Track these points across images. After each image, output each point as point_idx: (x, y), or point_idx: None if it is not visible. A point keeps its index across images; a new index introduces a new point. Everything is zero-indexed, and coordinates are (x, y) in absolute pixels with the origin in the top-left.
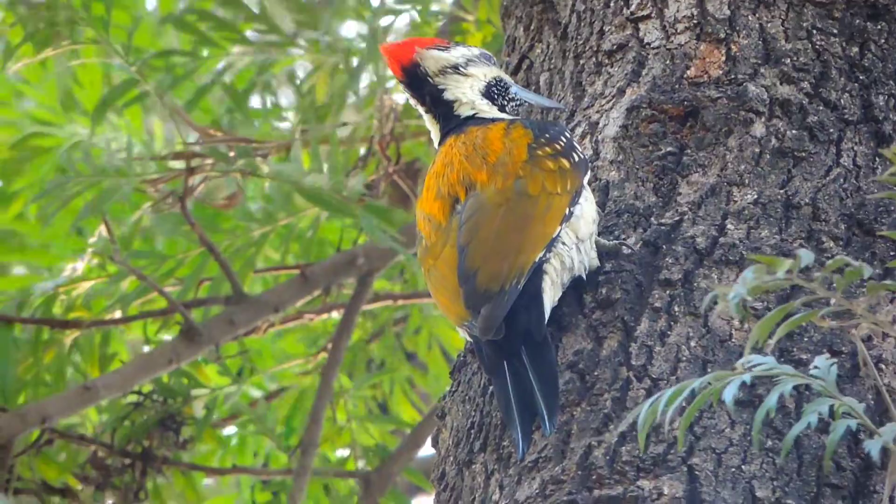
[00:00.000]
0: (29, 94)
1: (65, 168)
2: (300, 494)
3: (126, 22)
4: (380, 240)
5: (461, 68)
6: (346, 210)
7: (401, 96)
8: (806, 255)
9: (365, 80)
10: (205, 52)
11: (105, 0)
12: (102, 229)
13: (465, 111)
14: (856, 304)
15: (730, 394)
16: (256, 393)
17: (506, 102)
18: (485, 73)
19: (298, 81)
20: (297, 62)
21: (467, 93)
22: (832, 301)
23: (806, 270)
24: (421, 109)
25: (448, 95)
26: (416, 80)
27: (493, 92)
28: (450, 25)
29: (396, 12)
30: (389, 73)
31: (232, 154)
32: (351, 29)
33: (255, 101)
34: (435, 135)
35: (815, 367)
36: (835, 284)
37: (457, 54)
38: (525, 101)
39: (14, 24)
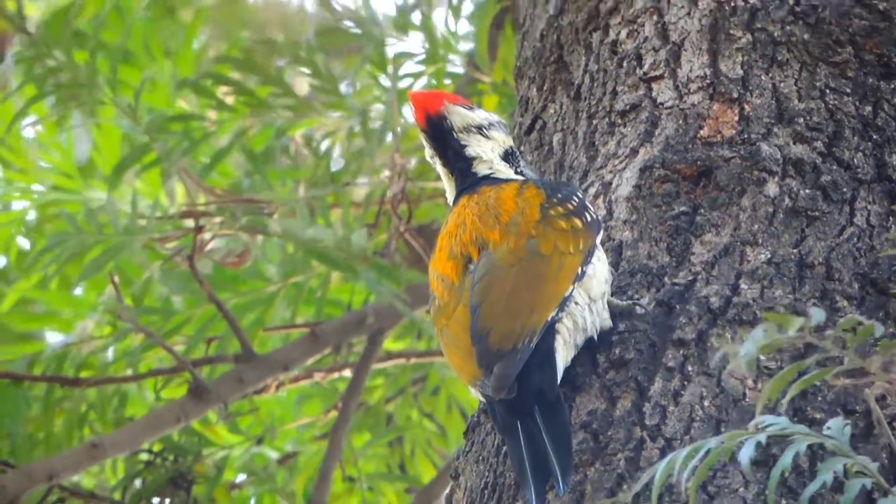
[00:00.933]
0: (45, 159)
1: (71, 229)
2: None
3: (136, 82)
4: (382, 297)
5: (484, 129)
6: (351, 267)
7: (413, 157)
8: (818, 314)
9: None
10: (224, 116)
11: (112, 60)
12: (112, 288)
13: (482, 169)
14: (869, 362)
15: (746, 455)
16: (270, 454)
17: (519, 170)
18: (504, 140)
19: (315, 144)
20: (315, 125)
21: (488, 152)
22: (845, 360)
23: (819, 329)
24: (438, 163)
25: (469, 152)
26: (440, 133)
27: (510, 158)
28: (466, 87)
29: (415, 75)
30: (403, 135)
31: (239, 214)
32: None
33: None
34: (450, 191)
35: (829, 428)
36: (847, 343)
37: (482, 115)
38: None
39: (24, 83)
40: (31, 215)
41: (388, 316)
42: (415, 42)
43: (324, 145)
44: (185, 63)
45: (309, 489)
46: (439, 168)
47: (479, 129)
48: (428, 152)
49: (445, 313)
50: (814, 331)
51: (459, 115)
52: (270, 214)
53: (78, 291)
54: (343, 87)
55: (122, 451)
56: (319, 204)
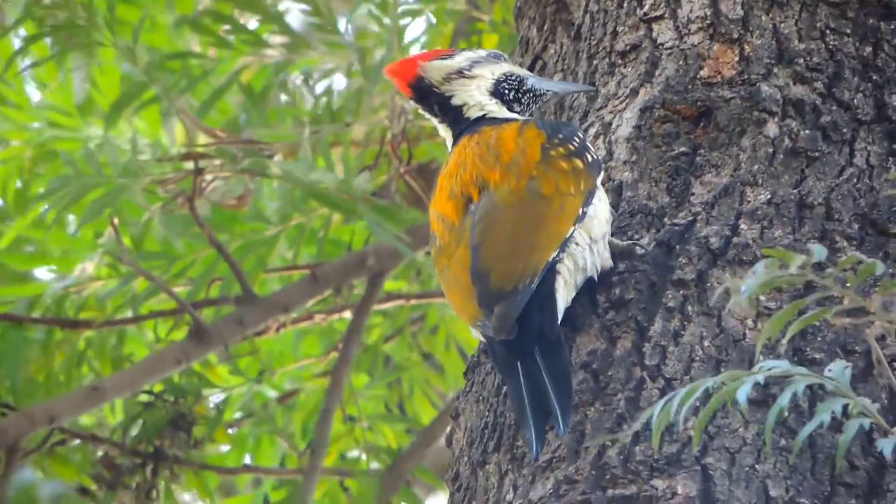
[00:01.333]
0: (45, 97)
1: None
2: (310, 494)
3: (135, 21)
4: (385, 238)
5: (465, 71)
6: (353, 209)
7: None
8: (819, 251)
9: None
10: (224, 54)
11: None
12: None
13: (474, 113)
14: (869, 301)
15: (743, 394)
16: (270, 393)
17: (520, 96)
18: (492, 72)
19: (313, 83)
20: (315, 63)
21: (475, 94)
22: (845, 299)
23: (820, 268)
24: (434, 120)
25: (455, 101)
26: (424, 93)
27: (503, 88)
28: (465, 26)
29: (413, 13)
30: None
31: (240, 155)
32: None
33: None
34: (448, 139)
35: (829, 370)
36: (848, 283)
37: (460, 59)
38: (547, 92)
39: (22, 20)
40: (28, 154)
41: (388, 257)
42: None
43: (322, 84)
44: (183, 1)
45: (308, 428)
46: (436, 124)
47: (460, 72)
48: (423, 113)
49: (446, 253)
50: (815, 269)
51: (436, 68)
52: (271, 156)
53: (73, 230)
54: (342, 26)
55: (123, 394)
56: (320, 143)
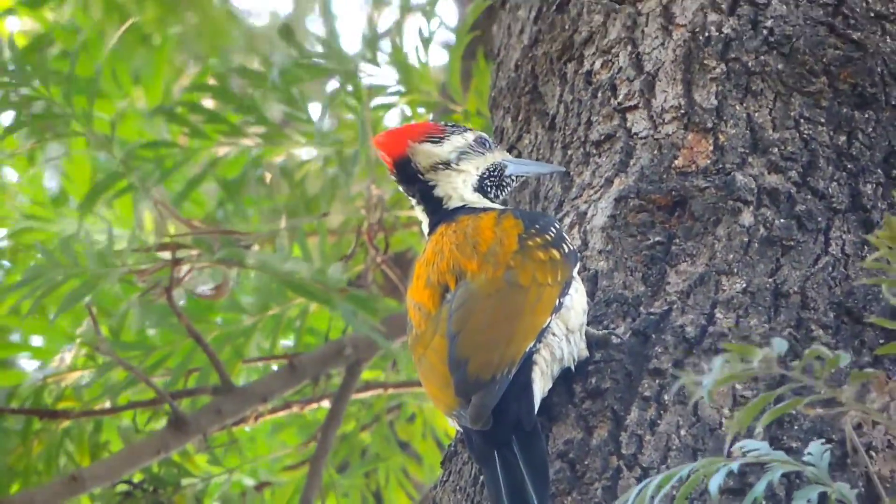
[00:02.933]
0: (18, 190)
1: (46, 260)
2: None
3: (110, 113)
4: (359, 328)
5: (453, 164)
6: (328, 299)
7: (389, 187)
8: (779, 344)
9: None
10: (196, 144)
11: (88, 93)
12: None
13: (454, 205)
14: (840, 392)
15: (715, 483)
16: (249, 482)
17: (500, 193)
18: (477, 166)
19: (289, 172)
20: (288, 153)
21: (458, 188)
22: (815, 389)
23: (795, 355)
24: (412, 201)
25: (438, 192)
26: (407, 175)
27: (486, 185)
28: (440, 117)
29: (387, 106)
30: (378, 163)
31: (217, 245)
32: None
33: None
34: (425, 225)
35: (809, 454)
36: (816, 373)
37: (449, 148)
38: (523, 177)
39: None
40: (3, 242)
41: (365, 346)
42: (386, 73)
43: (298, 174)
44: (154, 92)
45: None
46: (413, 203)
47: (447, 164)
48: (402, 190)
49: (423, 342)
50: (780, 360)
51: (424, 154)
52: (248, 246)
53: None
54: (318, 115)
55: (102, 483)
56: (297, 233)
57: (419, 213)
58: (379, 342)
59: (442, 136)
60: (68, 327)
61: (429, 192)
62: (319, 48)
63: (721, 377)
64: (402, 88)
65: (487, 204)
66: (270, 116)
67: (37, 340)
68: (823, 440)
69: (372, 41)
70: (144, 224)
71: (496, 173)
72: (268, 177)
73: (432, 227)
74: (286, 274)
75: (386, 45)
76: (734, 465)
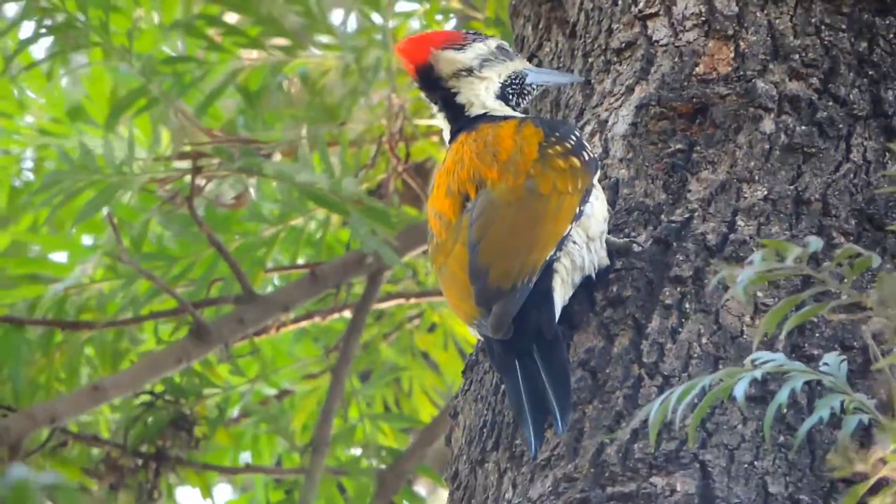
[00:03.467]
0: (35, 106)
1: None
2: (312, 493)
3: (126, 26)
4: (367, 246)
5: (475, 71)
6: (344, 210)
7: (409, 95)
8: (815, 242)
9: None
10: (214, 58)
11: (102, 4)
12: (111, 231)
13: (476, 112)
14: (866, 296)
15: (740, 390)
16: (270, 392)
17: (521, 101)
18: (499, 73)
19: (310, 82)
20: (309, 63)
21: (481, 95)
22: (842, 294)
23: (817, 262)
24: (433, 108)
25: (461, 99)
26: (430, 82)
27: (508, 92)
28: (460, 25)
29: (407, 14)
30: (399, 72)
31: (237, 154)
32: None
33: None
34: (446, 133)
35: (826, 364)
36: (845, 276)
37: (471, 55)
38: (543, 86)
39: (20, 20)
40: (29, 154)
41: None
42: None
43: (319, 83)
44: (170, 5)
45: (309, 426)
46: (435, 112)
47: (470, 71)
48: (423, 98)
49: (443, 251)
50: (812, 263)
51: (446, 61)
52: (268, 155)
53: (61, 233)
54: (339, 23)
55: (124, 393)
56: (318, 142)
57: (440, 120)
58: (388, 259)
59: (464, 43)
60: (88, 239)
61: (451, 99)
62: None
63: (759, 272)
64: None
65: (509, 112)
66: (290, 26)
67: (57, 257)
68: (845, 347)
69: None
70: (162, 139)
71: (517, 81)
72: (290, 84)
73: (453, 136)
74: (304, 184)
75: None
76: (758, 374)
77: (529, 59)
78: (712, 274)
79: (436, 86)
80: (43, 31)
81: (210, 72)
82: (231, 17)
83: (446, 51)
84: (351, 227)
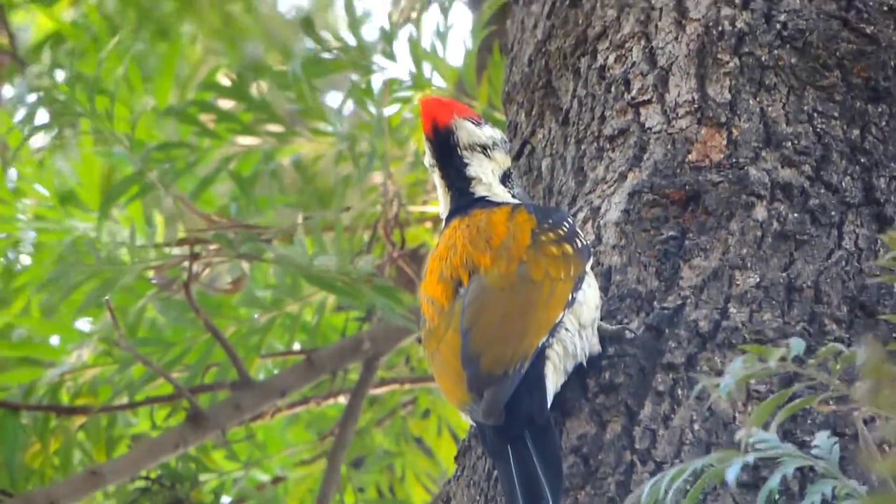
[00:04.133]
0: (27, 192)
1: (69, 259)
2: None
3: (124, 114)
4: (392, 318)
5: (488, 150)
6: (355, 293)
7: (404, 181)
8: (797, 344)
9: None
10: (207, 143)
11: (109, 92)
12: (107, 316)
13: (480, 191)
14: (853, 390)
15: (732, 474)
16: (264, 477)
17: (514, 193)
18: (503, 161)
19: (303, 168)
20: (302, 149)
21: (488, 174)
22: (830, 386)
23: (809, 350)
24: (437, 174)
25: (470, 172)
26: (445, 146)
27: (507, 180)
28: None
29: (403, 101)
30: (393, 157)
31: (235, 238)
32: (354, 117)
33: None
34: (444, 204)
35: (817, 447)
36: (832, 371)
37: (487, 134)
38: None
39: (33, 110)
40: (23, 237)
41: (383, 341)
42: (402, 68)
43: (311, 170)
44: (164, 92)
45: None
46: (437, 180)
47: (484, 148)
48: (428, 160)
49: (436, 337)
50: (795, 358)
51: (467, 131)
52: (269, 240)
53: (55, 317)
54: (333, 105)
55: (122, 478)
56: (313, 228)
57: (440, 190)
58: (410, 327)
59: (480, 122)
60: (80, 324)
61: (461, 170)
62: (339, 40)
63: (741, 378)
64: (417, 82)
65: (508, 198)
66: (283, 112)
67: (47, 341)
68: (836, 434)
69: (389, 35)
70: (156, 224)
71: (512, 177)
72: (283, 170)
73: (447, 220)
74: (308, 268)
75: (403, 39)
76: (750, 458)
77: (523, 146)
78: (704, 362)
79: (449, 153)
80: (43, 116)
81: (203, 157)
82: (224, 104)
83: (467, 122)
84: (377, 302)
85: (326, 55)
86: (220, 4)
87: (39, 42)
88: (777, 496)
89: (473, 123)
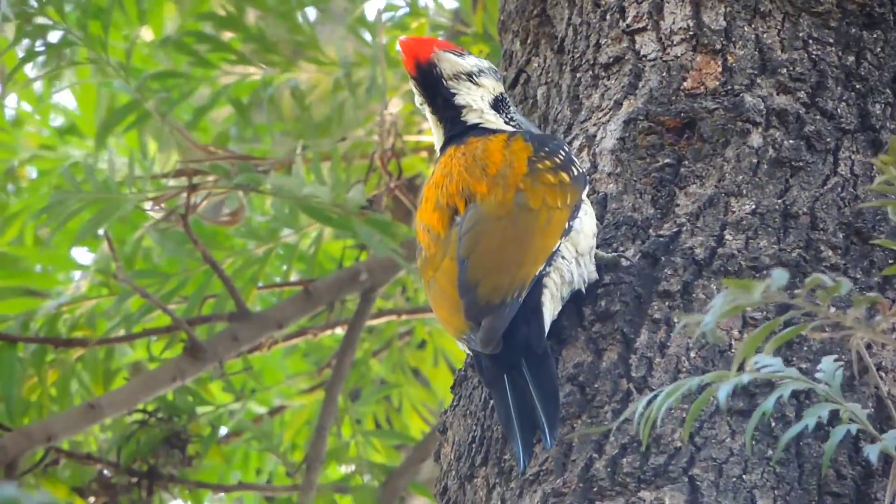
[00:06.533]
0: (26, 120)
1: (65, 187)
2: None
3: (121, 42)
4: (381, 250)
5: (474, 77)
6: (347, 224)
7: (401, 112)
8: (779, 276)
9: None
10: (203, 73)
11: (102, 18)
12: (104, 248)
13: (472, 118)
14: (844, 317)
15: (723, 393)
16: (261, 410)
17: (509, 118)
18: (493, 87)
19: (300, 95)
20: (298, 77)
21: (477, 101)
22: (819, 315)
23: (803, 276)
24: (427, 110)
25: (459, 100)
26: (430, 80)
27: (500, 106)
28: (450, 40)
29: (399, 30)
30: (390, 87)
31: (232, 169)
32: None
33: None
34: (438, 138)
35: (820, 371)
36: (820, 300)
37: (471, 62)
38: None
39: (16, 41)
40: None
41: (380, 272)
42: None
43: (308, 98)
44: (158, 22)
45: (299, 443)
46: (428, 115)
47: (469, 76)
48: (417, 99)
49: (432, 265)
50: (798, 276)
51: (449, 62)
52: (265, 171)
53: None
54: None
55: (119, 411)
56: (310, 158)
57: (433, 124)
58: (400, 263)
59: (462, 52)
60: (76, 253)
61: (450, 100)
62: None
63: (722, 312)
64: (413, 9)
65: (501, 125)
66: (279, 42)
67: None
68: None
69: None
70: (151, 154)
71: (507, 103)
72: (280, 97)
73: (442, 148)
74: (304, 198)
75: None
76: (745, 378)
77: (518, 74)
78: (700, 289)
79: (435, 85)
80: (39, 48)
81: (199, 86)
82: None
83: (448, 53)
84: (362, 235)
85: None
86: None
87: None
88: (774, 423)
89: (455, 55)
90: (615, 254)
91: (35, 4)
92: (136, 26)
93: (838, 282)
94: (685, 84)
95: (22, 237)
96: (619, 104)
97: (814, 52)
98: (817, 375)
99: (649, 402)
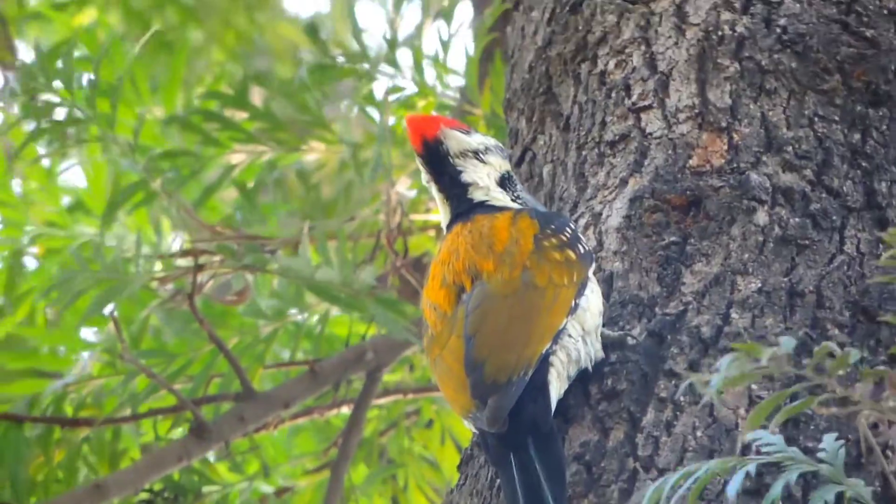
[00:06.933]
0: (34, 198)
1: (73, 266)
2: None
3: (130, 119)
4: (395, 330)
5: (481, 154)
6: (357, 304)
7: (407, 190)
8: (787, 342)
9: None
10: (211, 152)
11: (111, 96)
12: (111, 327)
13: (478, 196)
14: (853, 391)
15: (733, 489)
16: (268, 489)
17: (515, 196)
18: (500, 164)
19: (306, 176)
20: (305, 157)
21: (483, 178)
22: (828, 388)
23: (809, 355)
24: (433, 187)
25: (465, 178)
26: (436, 158)
27: (506, 183)
28: (457, 119)
29: (405, 109)
30: (396, 166)
31: (239, 250)
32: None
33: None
34: (444, 215)
35: (823, 451)
36: (829, 372)
37: (477, 140)
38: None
39: (15, 125)
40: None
41: (386, 351)
42: (405, 75)
43: (314, 178)
44: (171, 100)
45: None
46: (435, 193)
47: (476, 153)
48: (424, 177)
49: (439, 343)
50: (791, 359)
51: (455, 139)
52: (272, 251)
53: (59, 326)
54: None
55: (126, 491)
56: (317, 238)
57: (439, 202)
58: (414, 342)
59: (469, 130)
60: (85, 333)
61: (456, 178)
62: (341, 47)
63: (730, 376)
64: (420, 90)
65: (507, 202)
66: (286, 121)
67: (48, 350)
68: (840, 439)
69: (392, 43)
70: (162, 232)
71: (513, 181)
72: (286, 179)
73: (449, 225)
74: (311, 279)
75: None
76: (751, 467)
77: (524, 152)
78: (707, 368)
79: (441, 163)
80: (44, 126)
81: (207, 165)
82: (229, 115)
83: (455, 131)
84: (376, 315)
85: (329, 62)
86: (225, 16)
87: (55, 46)
88: (779, 502)
89: (462, 132)
90: (621, 332)
91: (43, 80)
92: (146, 104)
93: (848, 351)
94: (691, 162)
95: (32, 317)
96: (624, 182)
97: (819, 130)
98: (819, 455)
99: (655, 489)
